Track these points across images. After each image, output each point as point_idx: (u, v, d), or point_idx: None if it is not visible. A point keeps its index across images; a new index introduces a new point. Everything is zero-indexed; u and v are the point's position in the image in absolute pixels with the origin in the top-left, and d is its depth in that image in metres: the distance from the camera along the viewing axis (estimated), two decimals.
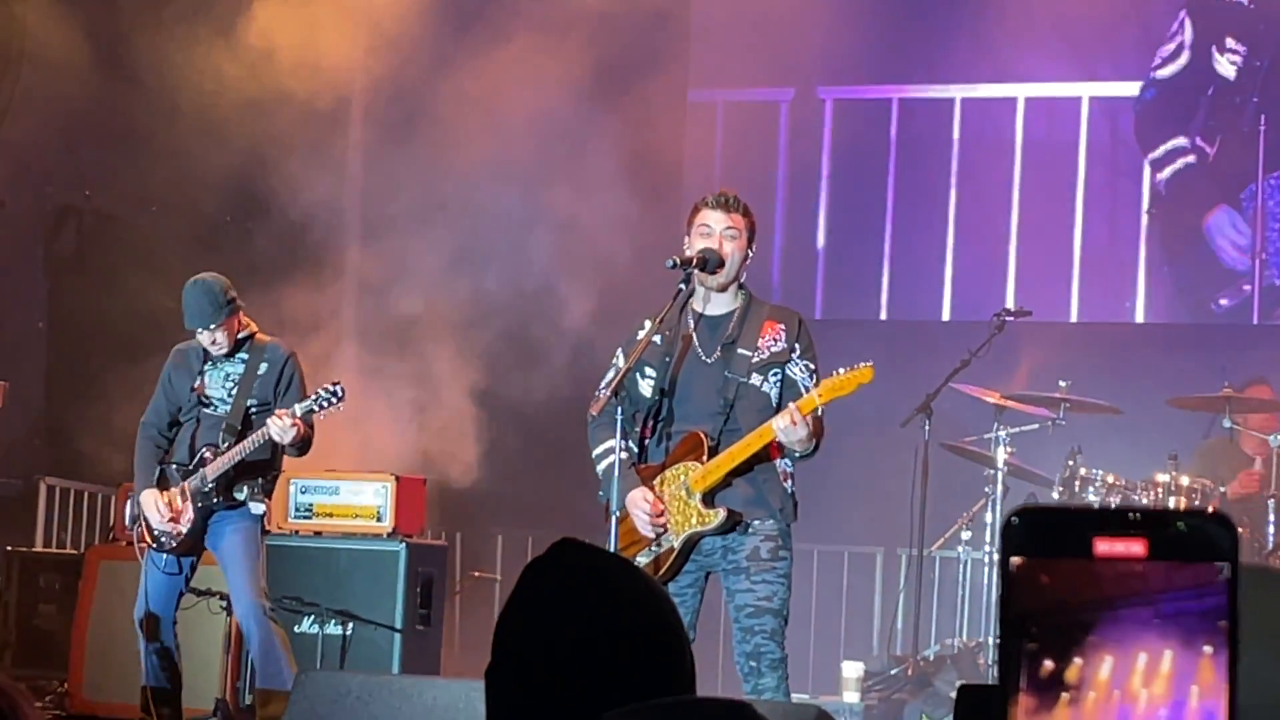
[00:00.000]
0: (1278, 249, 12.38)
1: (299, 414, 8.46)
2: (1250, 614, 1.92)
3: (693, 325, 6.99)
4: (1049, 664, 1.35)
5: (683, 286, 6.94)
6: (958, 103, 13.14)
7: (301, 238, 11.97)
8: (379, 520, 10.00)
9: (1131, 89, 12.78)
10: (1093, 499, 10.06)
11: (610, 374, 7.08)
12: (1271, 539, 9.94)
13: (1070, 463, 10.19)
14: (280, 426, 8.42)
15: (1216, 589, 1.33)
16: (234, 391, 8.71)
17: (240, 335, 8.76)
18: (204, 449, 8.68)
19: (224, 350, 8.70)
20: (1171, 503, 9.99)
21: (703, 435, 6.86)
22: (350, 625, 9.60)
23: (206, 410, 8.72)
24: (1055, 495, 10.22)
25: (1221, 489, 10.17)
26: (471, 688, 6.07)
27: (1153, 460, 10.23)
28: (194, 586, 9.20)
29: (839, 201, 13.34)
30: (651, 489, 6.90)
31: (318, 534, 10.05)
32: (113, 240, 12.01)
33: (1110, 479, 10.12)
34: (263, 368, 8.74)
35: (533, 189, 11.80)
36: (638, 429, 7.00)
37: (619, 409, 6.85)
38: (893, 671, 10.48)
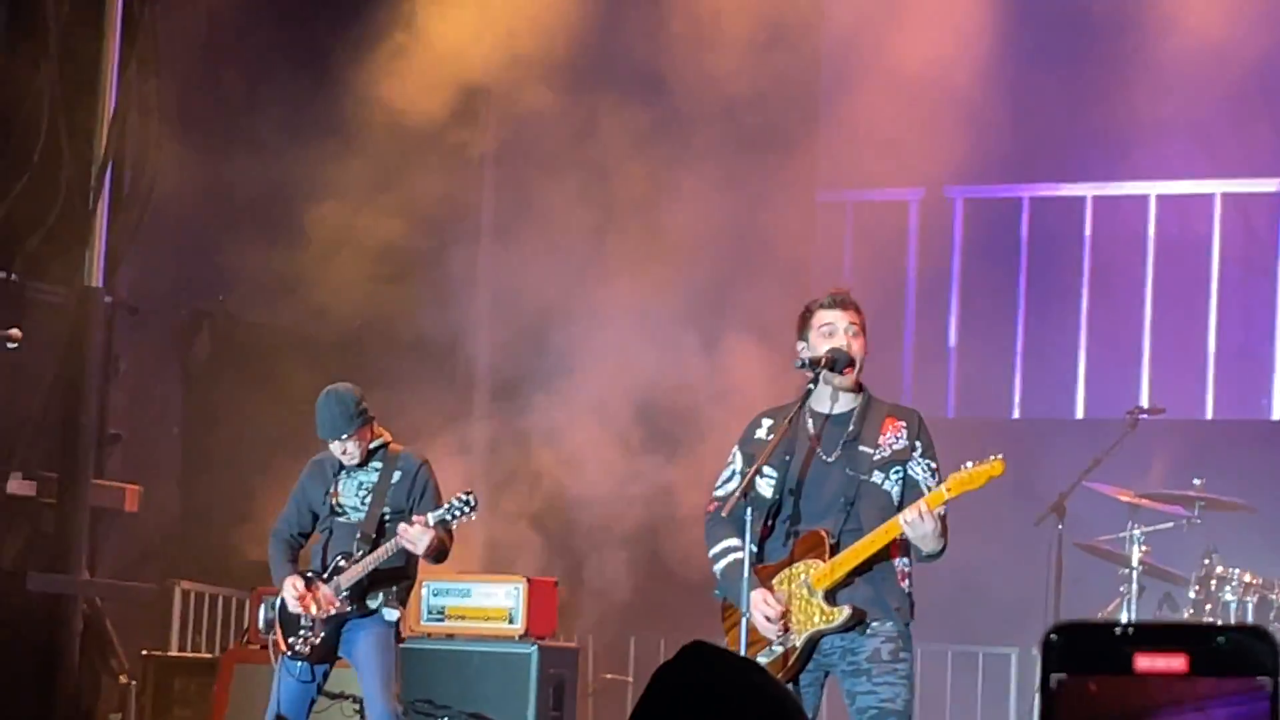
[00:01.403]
0: None
1: (432, 522, 8.48)
2: None
3: (813, 425, 6.99)
4: None
5: (812, 387, 6.94)
6: (1089, 201, 13.09)
7: (433, 343, 12.09)
8: (511, 622, 10.03)
9: (1265, 185, 12.68)
10: (1229, 599, 9.94)
11: (727, 472, 7.08)
12: None
13: (1206, 561, 10.07)
14: (414, 535, 8.47)
15: (1259, 702, 1.33)
16: (368, 500, 8.76)
17: (373, 445, 8.81)
18: (338, 557, 8.71)
19: (356, 460, 8.76)
20: None
21: (824, 533, 6.84)
22: None
23: (340, 519, 8.78)
24: (1191, 594, 10.10)
25: None
26: None
27: None
28: (327, 690, 9.27)
29: (970, 300, 13.30)
30: (770, 589, 6.89)
31: (450, 636, 10.10)
32: (247, 344, 12.17)
33: (1247, 578, 9.99)
34: (396, 476, 8.78)
35: (666, 293, 11.86)
36: (757, 528, 6.99)
37: (748, 508, 6.85)
38: None
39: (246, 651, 10.28)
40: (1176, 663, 1.34)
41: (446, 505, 8.54)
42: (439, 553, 8.62)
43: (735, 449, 7.11)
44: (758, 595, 6.84)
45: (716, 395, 11.38)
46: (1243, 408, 12.79)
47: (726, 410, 10.51)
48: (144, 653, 11.00)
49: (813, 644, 6.86)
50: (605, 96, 12.09)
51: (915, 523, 6.63)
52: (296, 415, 9.36)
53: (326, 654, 8.75)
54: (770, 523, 6.96)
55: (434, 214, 12.05)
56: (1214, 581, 10.02)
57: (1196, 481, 10.28)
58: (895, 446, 6.92)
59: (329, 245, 11.54)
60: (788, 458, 6.94)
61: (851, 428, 6.93)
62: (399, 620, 8.75)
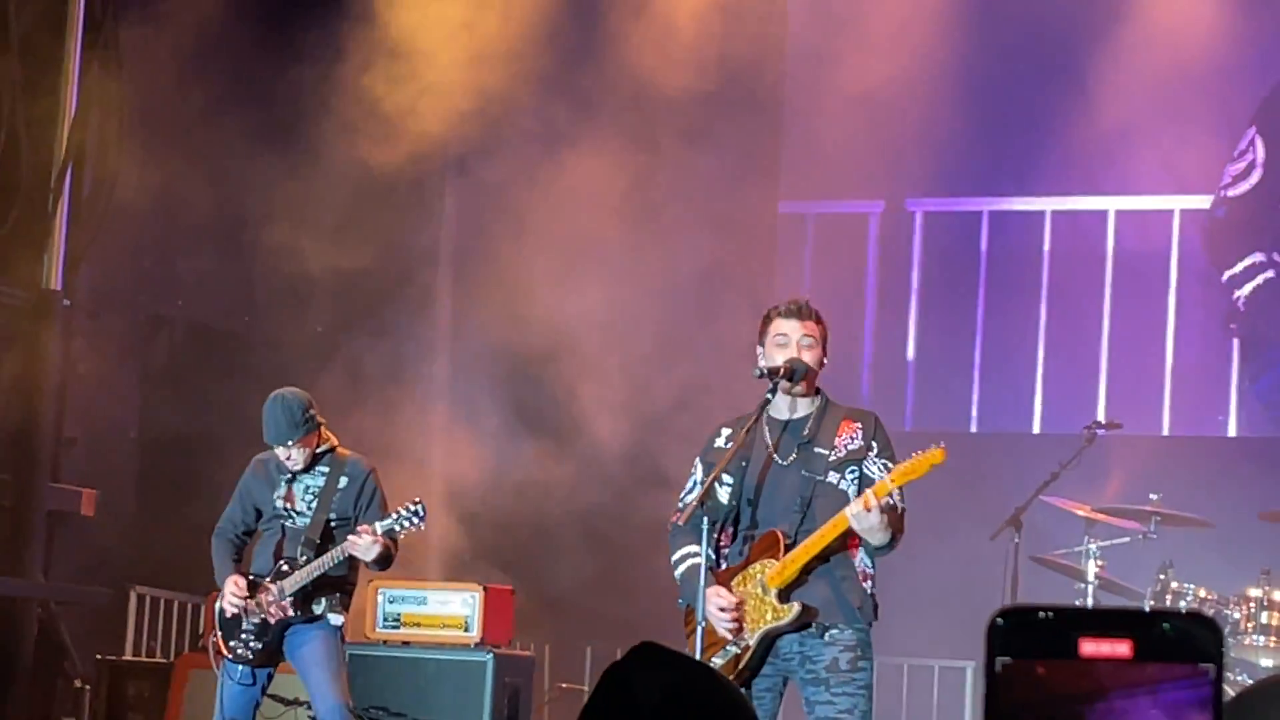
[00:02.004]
0: None
1: (380, 532, 8.44)
2: None
3: (769, 432, 7.01)
4: None
5: (770, 397, 6.96)
6: (1048, 215, 13.13)
7: (393, 350, 12.07)
8: (467, 630, 10.00)
9: None
10: None
11: (689, 483, 7.11)
12: None
13: (1162, 576, 10.10)
14: (364, 544, 8.43)
15: (1202, 688, 1.34)
16: (314, 505, 8.69)
17: (320, 449, 8.75)
18: (282, 562, 8.65)
19: (299, 466, 8.70)
20: (1264, 618, 9.89)
21: (779, 534, 6.86)
22: None
23: (286, 523, 8.72)
24: (1147, 609, 10.11)
25: None
26: None
27: (1245, 574, 10.12)
28: (281, 695, 9.24)
29: (929, 313, 13.33)
30: (728, 589, 6.90)
31: (405, 644, 10.06)
32: (205, 350, 12.14)
33: (1202, 593, 10.02)
34: (343, 482, 8.72)
35: (622, 300, 11.86)
36: (715, 536, 7.01)
37: (705, 516, 6.86)
38: None
39: (201, 656, 10.22)
40: (1121, 648, 1.35)
41: (395, 515, 8.49)
42: (385, 560, 8.57)
43: (697, 460, 7.15)
44: (711, 591, 6.85)
45: (678, 404, 11.39)
46: (1200, 424, 12.83)
47: (689, 419, 10.54)
48: (98, 657, 10.95)
49: (767, 644, 6.87)
50: (566, 108, 12.10)
51: (861, 515, 6.64)
52: (256, 422, 9.32)
53: (269, 658, 8.70)
54: (731, 529, 6.98)
55: (394, 242, 12.05)
56: (1169, 596, 10.05)
57: (1153, 496, 10.30)
58: (850, 447, 6.94)
59: (286, 256, 11.50)
60: (744, 464, 6.96)
61: (807, 431, 6.96)
62: (343, 625, 8.71)
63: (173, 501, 11.68)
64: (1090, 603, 10.22)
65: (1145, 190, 12.89)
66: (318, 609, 8.65)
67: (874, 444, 6.95)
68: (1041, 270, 13.10)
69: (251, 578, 8.68)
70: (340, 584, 8.70)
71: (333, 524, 8.69)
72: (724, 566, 6.99)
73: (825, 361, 7.08)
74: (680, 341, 12.03)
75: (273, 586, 8.61)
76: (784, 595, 6.83)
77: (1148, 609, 1.30)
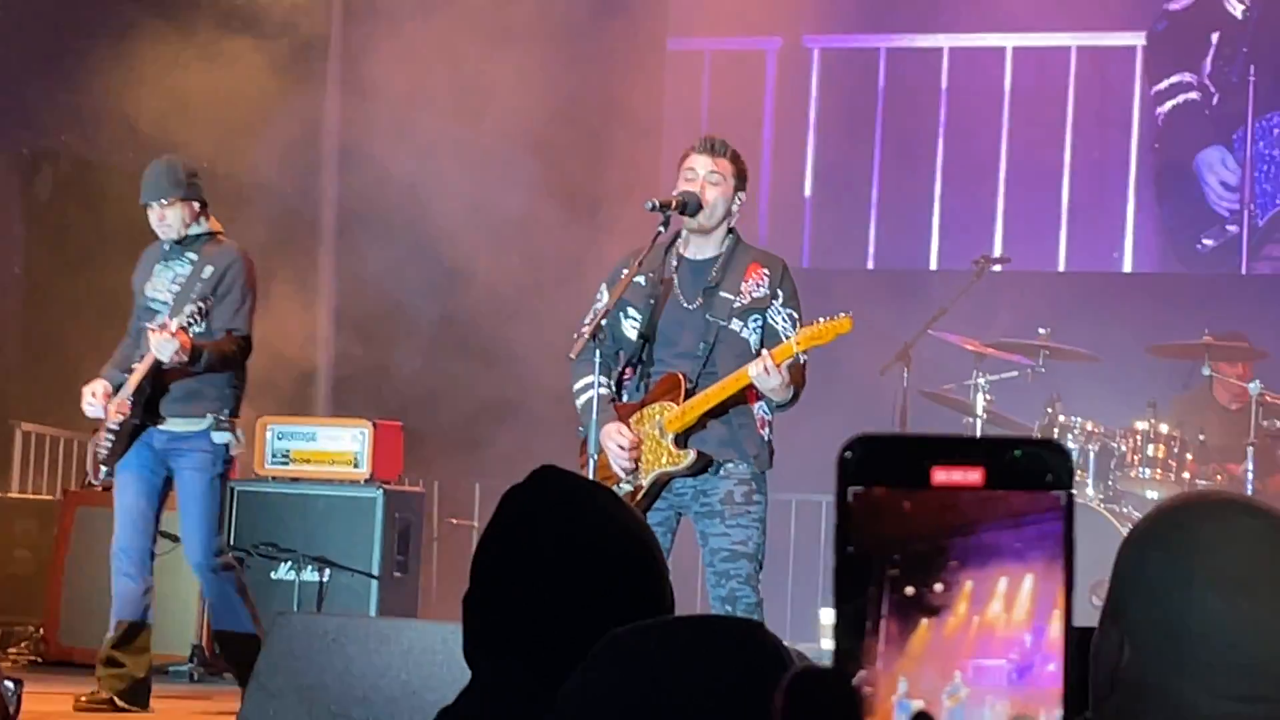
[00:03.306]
0: (1264, 191, 12.37)
1: (174, 329, 7.82)
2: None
3: (676, 269, 6.96)
4: (909, 589, 1.33)
5: (661, 230, 6.91)
6: (946, 53, 13.10)
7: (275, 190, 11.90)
8: (356, 466, 9.98)
9: (1121, 39, 12.74)
10: (1071, 446, 10.05)
11: (591, 311, 7.05)
12: (1250, 486, 9.92)
13: (1049, 410, 10.18)
14: (156, 342, 7.84)
15: (1054, 513, 1.31)
16: (175, 296, 8.11)
17: (198, 231, 8.22)
18: (135, 359, 8.10)
19: (173, 234, 8.14)
20: (1150, 450, 10.00)
21: (681, 377, 6.84)
22: (327, 572, 9.58)
23: (154, 317, 8.11)
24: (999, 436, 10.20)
25: (1201, 437, 10.16)
26: (449, 630, 6.07)
27: (1132, 408, 10.22)
28: (168, 531, 9.18)
29: (826, 151, 13.31)
30: (627, 425, 6.89)
31: (295, 480, 10.03)
32: (91, 185, 11.96)
33: (1089, 426, 10.11)
34: (208, 270, 8.12)
35: (509, 139, 11.75)
36: (620, 369, 6.98)
37: (598, 350, 6.83)
38: None
39: (89, 493, 10.17)
40: (973, 476, 1.32)
41: (187, 310, 7.88)
42: (211, 362, 7.96)
43: (602, 284, 7.08)
44: (611, 428, 6.84)
45: (575, 253, 11.29)
46: (1095, 261, 12.92)
47: (584, 266, 10.48)
48: None
49: (660, 485, 6.87)
50: None
51: (761, 376, 6.63)
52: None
53: (112, 458, 8.09)
54: (635, 364, 6.95)
55: (281, 64, 11.84)
56: (1056, 429, 10.14)
57: (1041, 331, 10.36)
58: (755, 294, 6.90)
59: (175, 86, 11.30)
60: (653, 301, 6.92)
61: (714, 274, 6.92)
62: (229, 443, 8.18)
63: (58, 337, 11.55)
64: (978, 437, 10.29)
65: (1043, 28, 12.86)
66: (197, 425, 8.08)
67: (779, 292, 6.90)
68: (939, 108, 13.09)
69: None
70: (218, 393, 8.15)
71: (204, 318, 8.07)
72: (624, 400, 6.97)
73: (739, 202, 7.00)
74: (574, 186, 11.95)
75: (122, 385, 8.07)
76: (681, 440, 6.83)
77: (1000, 436, 1.26)
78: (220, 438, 8.12)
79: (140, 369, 8.00)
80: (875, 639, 1.33)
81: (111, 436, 8.13)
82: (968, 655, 1.33)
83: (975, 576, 1.32)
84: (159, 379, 8.03)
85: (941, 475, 1.31)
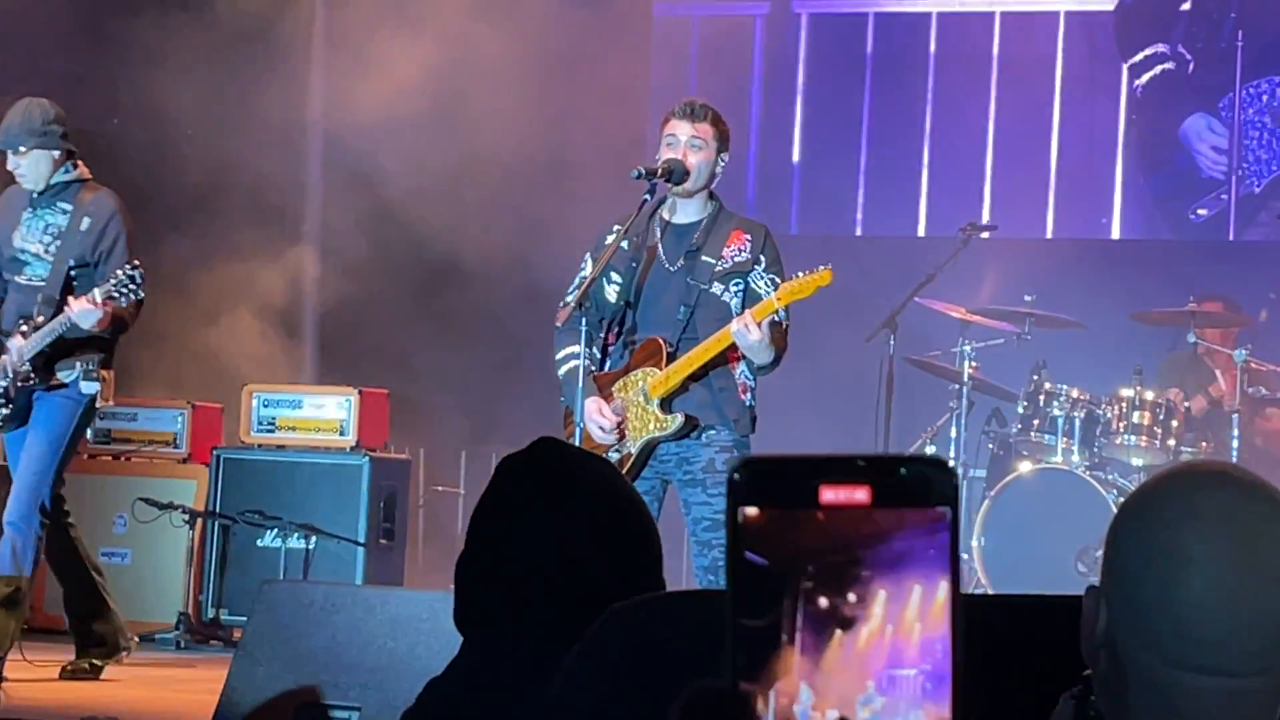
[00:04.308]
0: (1256, 157, 12.37)
1: (100, 299, 7.60)
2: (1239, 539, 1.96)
3: (660, 234, 6.98)
4: (824, 601, 1.36)
5: (647, 197, 6.93)
6: (934, 18, 13.09)
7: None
8: (342, 434, 10.02)
9: (1108, 4, 12.72)
10: (1057, 413, 10.10)
11: (576, 280, 7.07)
12: (1236, 454, 9.96)
13: (1035, 377, 10.22)
14: (79, 312, 7.62)
15: (941, 531, 1.34)
16: (54, 250, 7.82)
17: (66, 179, 7.88)
18: (20, 321, 7.80)
19: (30, 185, 7.81)
20: (1135, 417, 10.02)
21: (661, 341, 6.87)
22: (313, 539, 9.63)
23: (21, 274, 7.83)
24: (1020, 409, 10.25)
25: (1186, 403, 10.19)
26: (436, 599, 6.11)
27: (1118, 375, 10.26)
28: (154, 499, 9.20)
29: (815, 117, 13.30)
30: (610, 396, 6.91)
31: (280, 448, 10.06)
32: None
33: (1075, 393, 10.15)
34: (85, 223, 7.80)
35: (497, 105, 11.74)
36: (603, 335, 7.01)
37: (583, 318, 6.86)
38: None
39: (75, 461, 10.19)
40: (860, 494, 1.34)
41: (114, 281, 7.62)
42: (118, 327, 7.78)
43: (587, 255, 7.11)
44: (592, 404, 6.88)
45: (562, 221, 11.29)
46: (1085, 228, 12.93)
47: (571, 234, 10.48)
48: None
49: (648, 451, 6.91)
50: None
51: (742, 333, 6.66)
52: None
53: (21, 421, 7.89)
54: (617, 329, 6.98)
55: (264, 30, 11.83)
56: (1042, 397, 10.18)
57: (1027, 298, 10.40)
58: (737, 259, 6.93)
59: (148, 48, 11.28)
60: (635, 265, 6.95)
61: (696, 237, 6.94)
62: (97, 393, 7.87)
63: None
64: (965, 404, 10.32)
65: None
66: (66, 375, 7.83)
67: (762, 258, 6.93)
68: (928, 74, 13.08)
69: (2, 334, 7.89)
70: (94, 344, 7.84)
71: (73, 275, 7.82)
72: (608, 368, 7.00)
73: (722, 164, 7.01)
74: (559, 152, 11.94)
75: (11, 347, 7.80)
76: (666, 405, 6.86)
77: (885, 455, 1.29)
78: (89, 387, 7.85)
79: (43, 333, 7.75)
80: (791, 651, 1.36)
81: (5, 402, 7.86)
82: (881, 665, 1.36)
83: (888, 587, 1.35)
84: (59, 340, 7.80)
85: (829, 495, 1.34)
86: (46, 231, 7.85)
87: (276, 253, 11.52)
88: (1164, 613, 1.99)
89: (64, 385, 7.81)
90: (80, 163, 7.95)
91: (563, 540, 2.52)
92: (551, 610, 2.48)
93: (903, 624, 1.35)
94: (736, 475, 1.33)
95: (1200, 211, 12.52)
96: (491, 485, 2.59)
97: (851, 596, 1.35)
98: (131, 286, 7.61)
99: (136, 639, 8.66)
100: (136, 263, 7.71)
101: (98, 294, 7.59)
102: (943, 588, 1.34)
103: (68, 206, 7.84)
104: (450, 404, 11.60)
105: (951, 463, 1.30)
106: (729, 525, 1.35)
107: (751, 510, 1.34)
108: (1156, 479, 2.09)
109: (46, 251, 7.83)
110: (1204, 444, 10.18)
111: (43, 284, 7.83)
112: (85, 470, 9.93)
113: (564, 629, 2.20)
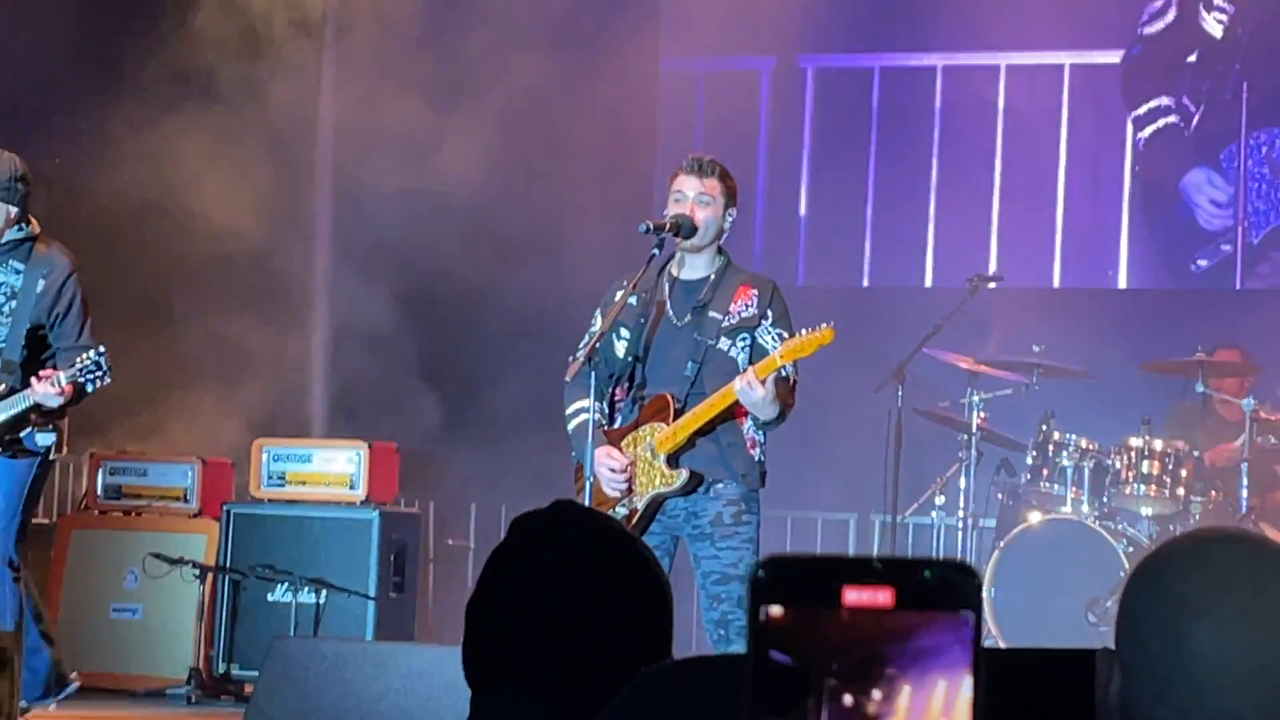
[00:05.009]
0: (1255, 209, 12.40)
1: (64, 382, 7.48)
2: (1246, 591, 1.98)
3: (668, 289, 7.01)
4: (848, 698, 1.37)
5: (656, 252, 6.96)
6: (939, 71, 13.13)
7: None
8: (352, 488, 10.01)
9: (1113, 57, 12.77)
10: (1066, 464, 10.11)
11: (586, 336, 7.10)
12: (1245, 503, 9.97)
13: (1044, 427, 10.23)
14: (42, 394, 7.49)
15: (963, 635, 1.36)
16: (8, 309, 7.63)
17: (18, 237, 7.66)
18: None
19: None
20: (1145, 467, 10.02)
21: (670, 397, 6.89)
22: (324, 593, 9.61)
23: None
24: (1029, 460, 10.26)
25: (1195, 453, 10.18)
26: (447, 654, 6.11)
27: (1126, 425, 10.26)
28: (164, 554, 9.19)
29: (821, 170, 13.33)
30: (618, 449, 6.93)
31: (290, 502, 10.06)
32: (84, 210, 11.96)
33: (1084, 443, 10.15)
34: (40, 284, 7.64)
35: (502, 160, 11.78)
36: (611, 390, 7.03)
37: (593, 373, 6.88)
38: None
39: (85, 517, 10.24)
40: (883, 596, 1.36)
41: (79, 366, 7.48)
42: (78, 399, 7.64)
43: (596, 311, 7.14)
44: (601, 452, 6.90)
45: (567, 274, 11.32)
46: (1090, 278, 12.95)
47: (581, 289, 10.51)
48: None
49: (654, 507, 6.92)
50: None
51: (745, 390, 6.67)
52: (146, 283, 9.12)
53: None
54: (626, 385, 7.00)
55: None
56: (1051, 447, 10.19)
57: (1036, 348, 10.42)
58: (744, 314, 6.95)
59: (164, 109, 11.33)
60: (644, 321, 6.97)
61: (704, 293, 6.96)
62: (53, 444, 7.74)
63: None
64: (973, 454, 10.33)
65: (1035, 47, 12.90)
66: (22, 433, 7.67)
67: (769, 312, 6.95)
68: (933, 126, 13.12)
69: None
70: (49, 410, 7.68)
71: (30, 335, 7.66)
72: (617, 423, 7.02)
73: (730, 220, 7.04)
74: (563, 206, 11.98)
75: None
76: (673, 460, 6.87)
77: (909, 558, 1.32)
78: (45, 439, 7.74)
79: (4, 406, 7.61)
80: None
81: None
82: None
83: (912, 682, 1.37)
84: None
85: (853, 596, 1.36)
86: (2, 289, 7.69)
87: (286, 308, 11.55)
88: (1174, 663, 2.01)
89: (19, 442, 7.69)
90: (34, 219, 7.78)
91: (583, 602, 2.53)
92: (564, 671, 2.49)
93: (928, 718, 1.37)
94: (760, 573, 1.36)
95: (1200, 262, 12.54)
96: (508, 543, 2.59)
97: (876, 694, 1.37)
98: (98, 373, 7.53)
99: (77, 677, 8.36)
100: (102, 348, 7.60)
101: (63, 378, 7.49)
102: (967, 683, 1.37)
103: (20, 265, 7.67)
104: (460, 457, 11.61)
105: (973, 566, 1.33)
106: (750, 624, 1.37)
107: (775, 610, 1.37)
108: (1172, 537, 2.12)
109: (6, 316, 7.68)
110: (1214, 493, 10.18)
111: (2, 345, 7.70)
112: (95, 525, 9.98)
113: (581, 691, 2.21)
